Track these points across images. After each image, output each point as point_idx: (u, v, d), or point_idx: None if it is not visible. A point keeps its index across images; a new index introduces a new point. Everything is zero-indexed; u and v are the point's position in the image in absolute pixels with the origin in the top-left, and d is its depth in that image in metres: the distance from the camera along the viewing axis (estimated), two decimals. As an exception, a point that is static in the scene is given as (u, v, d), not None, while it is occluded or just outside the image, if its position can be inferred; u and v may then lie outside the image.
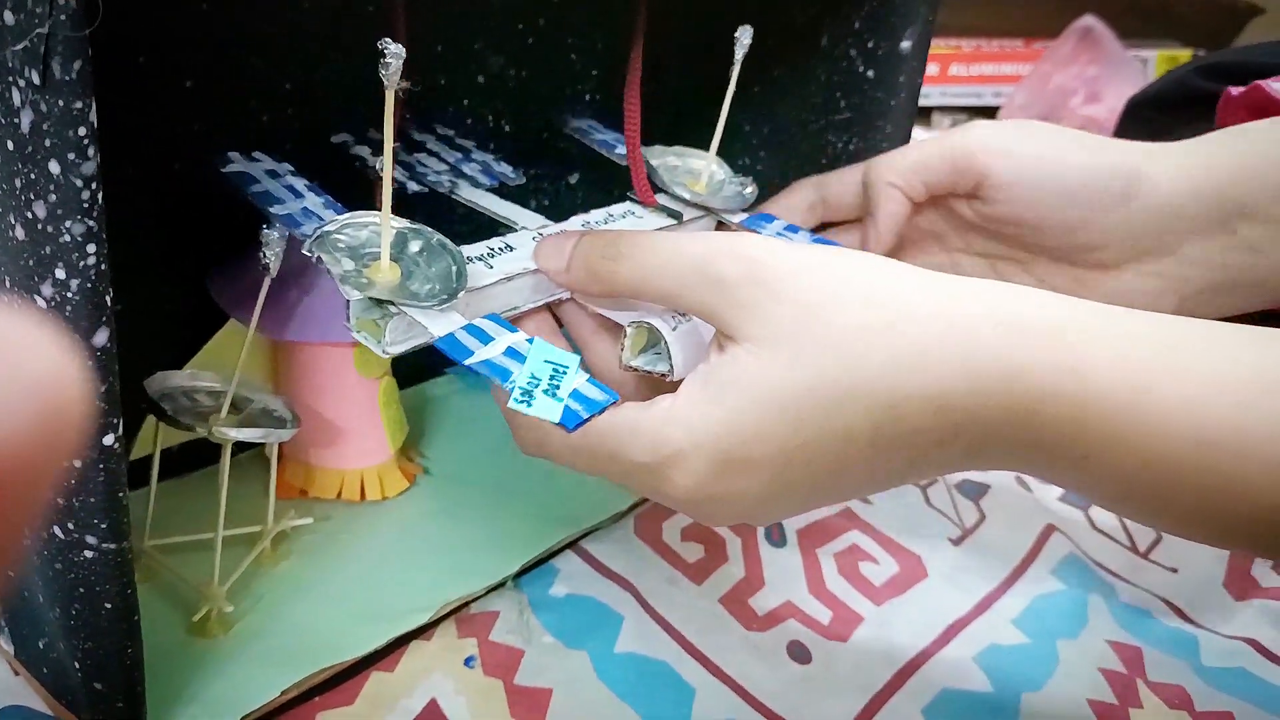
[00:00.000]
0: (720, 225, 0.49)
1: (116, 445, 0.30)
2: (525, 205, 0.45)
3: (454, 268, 0.36)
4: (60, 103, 0.25)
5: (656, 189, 0.47)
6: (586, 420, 0.32)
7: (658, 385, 0.38)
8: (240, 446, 0.46)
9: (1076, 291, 0.45)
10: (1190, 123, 0.62)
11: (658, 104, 0.48)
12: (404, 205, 0.41)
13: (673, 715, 0.40)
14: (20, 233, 0.27)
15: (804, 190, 0.52)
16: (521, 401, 0.31)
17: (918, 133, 0.55)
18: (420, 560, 0.45)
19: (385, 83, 0.31)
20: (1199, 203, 0.45)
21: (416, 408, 0.55)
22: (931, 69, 1.25)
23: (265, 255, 0.35)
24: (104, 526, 0.31)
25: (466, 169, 0.47)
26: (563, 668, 0.41)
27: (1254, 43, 1.00)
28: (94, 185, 0.27)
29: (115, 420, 0.30)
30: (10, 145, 0.27)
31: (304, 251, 0.35)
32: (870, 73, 0.52)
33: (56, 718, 0.37)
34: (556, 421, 0.31)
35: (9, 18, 0.25)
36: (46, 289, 0.28)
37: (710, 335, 0.35)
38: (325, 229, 0.36)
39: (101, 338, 0.28)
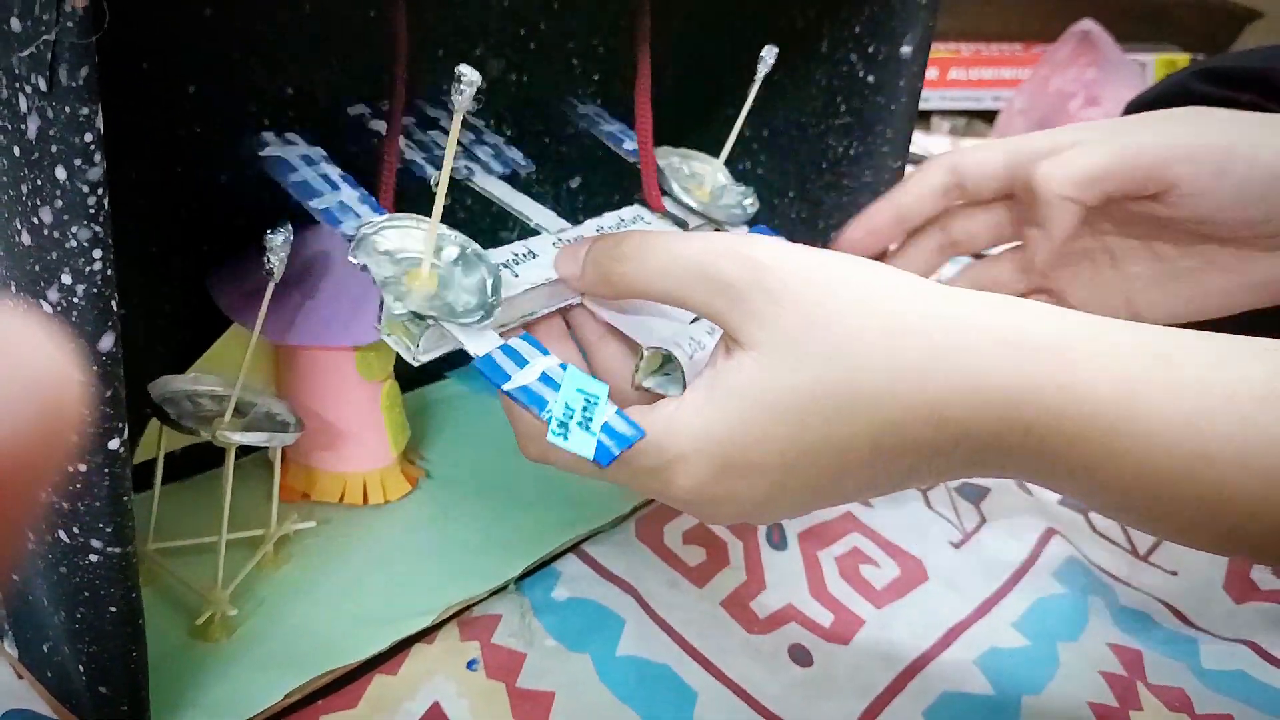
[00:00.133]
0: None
1: (122, 449, 0.30)
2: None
3: (488, 280, 0.36)
4: (66, 109, 0.25)
5: (664, 193, 0.48)
6: (617, 456, 0.32)
7: (651, 395, 0.39)
8: (243, 450, 0.46)
9: (1239, 270, 0.46)
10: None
11: (657, 105, 0.48)
12: (421, 189, 0.41)
13: (674, 718, 0.40)
14: (26, 238, 0.28)
15: (935, 173, 0.50)
16: (558, 435, 0.32)
17: (918, 137, 0.55)
18: (422, 563, 0.45)
19: (454, 106, 0.31)
20: None
21: (418, 411, 0.55)
22: (931, 73, 1.25)
23: (269, 260, 0.35)
24: (109, 530, 0.31)
25: (479, 153, 0.47)
26: (565, 671, 0.42)
27: (1252, 47, 1.00)
28: (100, 191, 0.27)
29: (120, 425, 0.30)
30: (17, 151, 0.27)
31: (349, 257, 0.35)
32: (870, 77, 0.53)
33: (60, 721, 0.37)
34: (591, 458, 0.32)
35: (16, 24, 0.25)
36: (52, 294, 0.28)
37: None
38: (365, 231, 0.36)
39: (107, 343, 0.28)
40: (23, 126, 0.26)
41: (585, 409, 0.33)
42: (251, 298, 0.42)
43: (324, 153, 0.41)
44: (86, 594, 0.32)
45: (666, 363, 0.39)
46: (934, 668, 0.44)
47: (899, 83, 0.52)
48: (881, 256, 0.52)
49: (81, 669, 0.34)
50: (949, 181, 0.50)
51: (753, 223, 0.50)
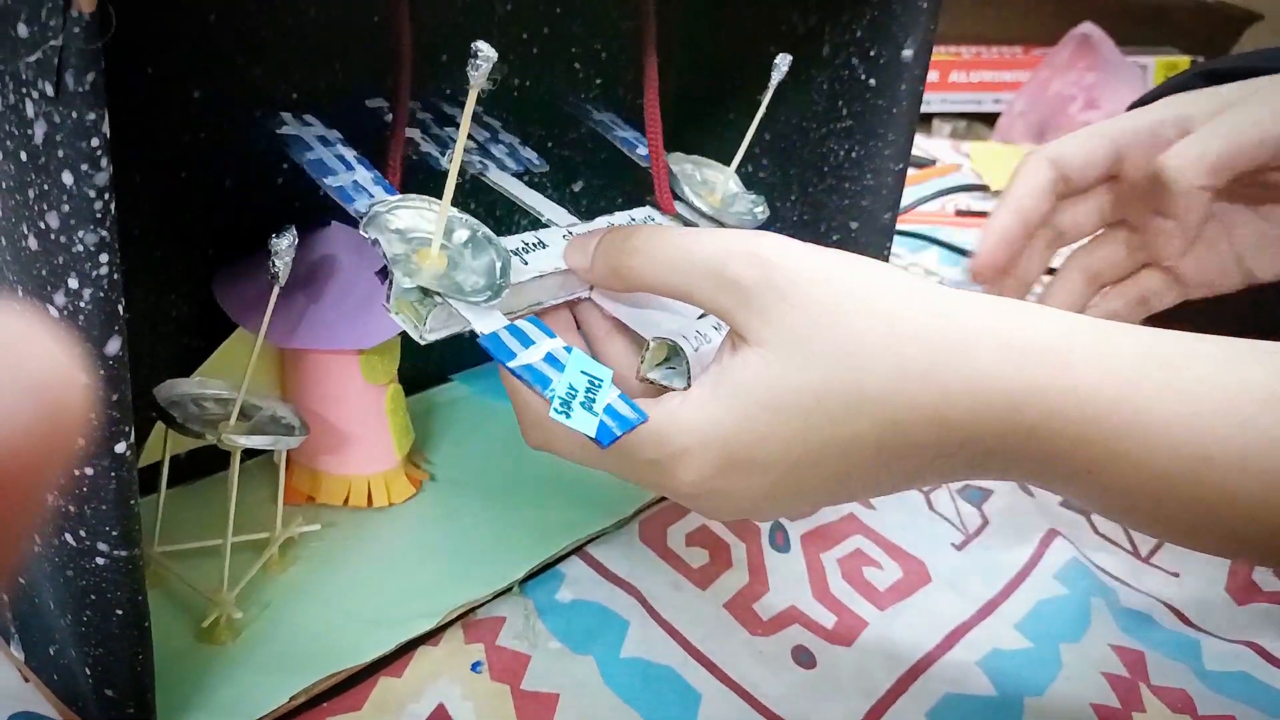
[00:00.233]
0: None
1: (128, 453, 0.30)
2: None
3: (497, 263, 0.37)
4: (73, 114, 0.26)
5: (675, 196, 0.48)
6: (619, 438, 0.32)
7: (655, 388, 0.39)
8: (248, 453, 0.46)
9: None
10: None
11: (661, 109, 0.49)
12: (439, 182, 0.42)
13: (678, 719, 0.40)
14: (33, 243, 0.28)
15: (1040, 170, 0.50)
16: (560, 412, 0.32)
17: (919, 140, 0.55)
18: (427, 566, 0.45)
19: (471, 82, 0.31)
20: None
21: (422, 414, 0.55)
22: (931, 76, 1.25)
23: (274, 264, 0.35)
24: (115, 533, 0.31)
25: (495, 150, 0.48)
26: (569, 673, 0.42)
27: (1252, 49, 1.00)
28: (106, 195, 0.27)
29: (127, 428, 0.30)
30: (24, 156, 0.27)
31: (360, 231, 0.35)
32: (872, 81, 0.53)
33: (66, 724, 0.37)
34: (592, 437, 0.32)
35: (23, 30, 0.25)
36: (59, 298, 0.28)
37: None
38: (377, 209, 0.36)
39: (114, 346, 0.29)
40: (29, 132, 0.26)
41: (589, 390, 0.33)
42: (256, 301, 0.42)
43: (340, 135, 0.41)
44: (93, 597, 0.32)
45: (672, 355, 0.39)
46: (936, 669, 0.44)
47: (900, 86, 0.52)
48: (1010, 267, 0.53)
49: (88, 671, 0.34)
50: (1054, 176, 0.50)
51: (762, 229, 0.51)
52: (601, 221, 0.45)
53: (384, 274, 0.36)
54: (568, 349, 0.35)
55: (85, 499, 0.30)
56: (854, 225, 0.57)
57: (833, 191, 0.57)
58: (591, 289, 0.41)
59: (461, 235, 0.37)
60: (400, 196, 0.37)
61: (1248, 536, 0.30)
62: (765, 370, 0.33)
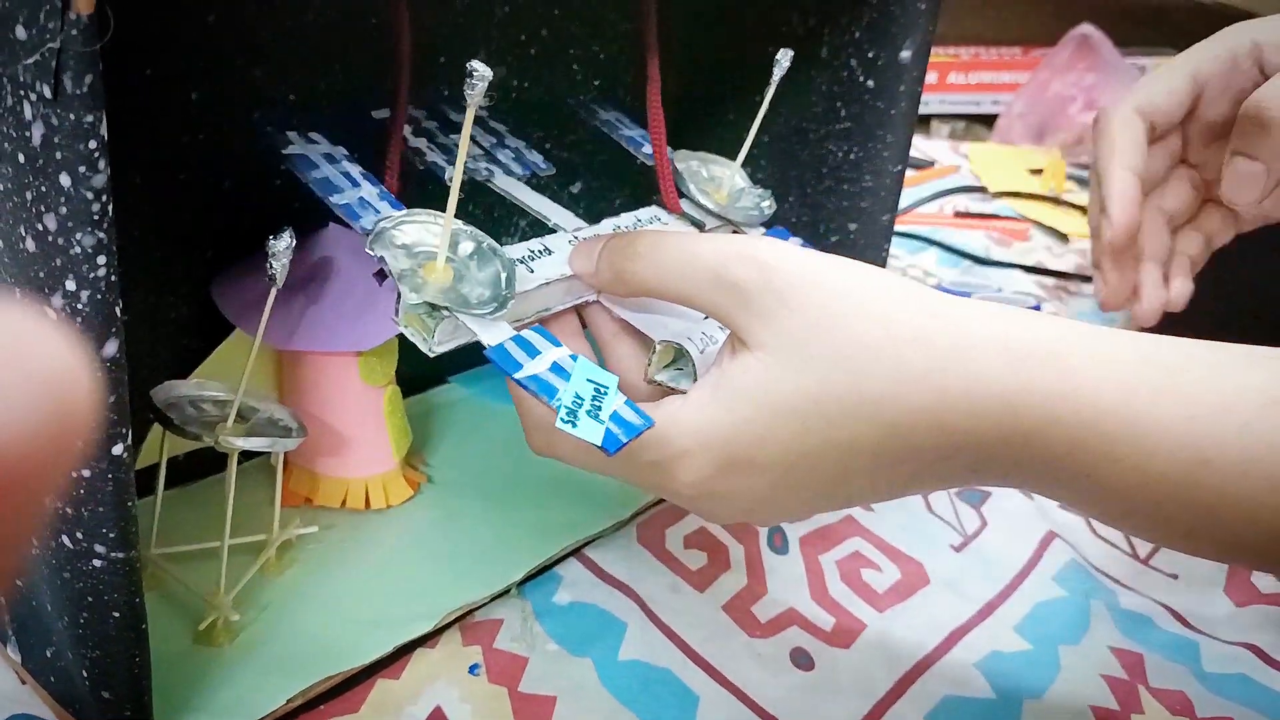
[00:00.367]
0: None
1: (125, 455, 0.30)
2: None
3: (503, 274, 0.37)
4: (71, 116, 0.26)
5: (681, 195, 0.48)
6: (625, 445, 0.32)
7: (663, 390, 0.39)
8: (246, 455, 0.46)
9: None
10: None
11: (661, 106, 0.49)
12: (440, 188, 0.42)
13: (677, 722, 0.40)
14: (31, 245, 0.28)
15: (1132, 125, 0.49)
16: (567, 421, 0.32)
17: (917, 141, 0.55)
18: (424, 568, 0.45)
19: (467, 101, 0.32)
20: None
21: (420, 416, 0.55)
22: (930, 77, 1.25)
23: (272, 266, 0.35)
24: (112, 535, 0.31)
25: (500, 156, 0.48)
26: (567, 675, 0.42)
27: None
28: (104, 198, 0.27)
29: (124, 430, 0.30)
30: (21, 158, 0.27)
31: (366, 249, 0.35)
32: (870, 82, 0.53)
33: (64, 726, 0.37)
34: (599, 445, 0.32)
35: (21, 32, 0.25)
36: (57, 300, 0.28)
37: None
38: (383, 225, 0.36)
39: (111, 348, 0.29)
40: (27, 134, 0.26)
41: (595, 398, 0.33)
42: (254, 303, 0.42)
43: (345, 151, 0.42)
44: (90, 599, 0.32)
45: (679, 357, 0.39)
46: (935, 671, 0.44)
47: (899, 88, 0.52)
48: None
49: (85, 674, 0.34)
50: (1146, 127, 0.49)
51: (769, 224, 0.51)
52: (607, 225, 0.45)
53: (382, 276, 0.36)
54: (573, 357, 0.35)
55: (82, 501, 0.30)
56: (852, 226, 0.57)
57: (831, 193, 0.57)
58: (598, 293, 0.41)
59: (467, 247, 0.38)
60: (405, 212, 0.38)
61: (1246, 540, 0.30)
62: (764, 373, 0.33)
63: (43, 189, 0.27)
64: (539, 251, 0.41)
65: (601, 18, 0.55)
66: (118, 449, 0.30)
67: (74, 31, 0.25)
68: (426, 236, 0.37)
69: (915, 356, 0.32)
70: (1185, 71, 0.48)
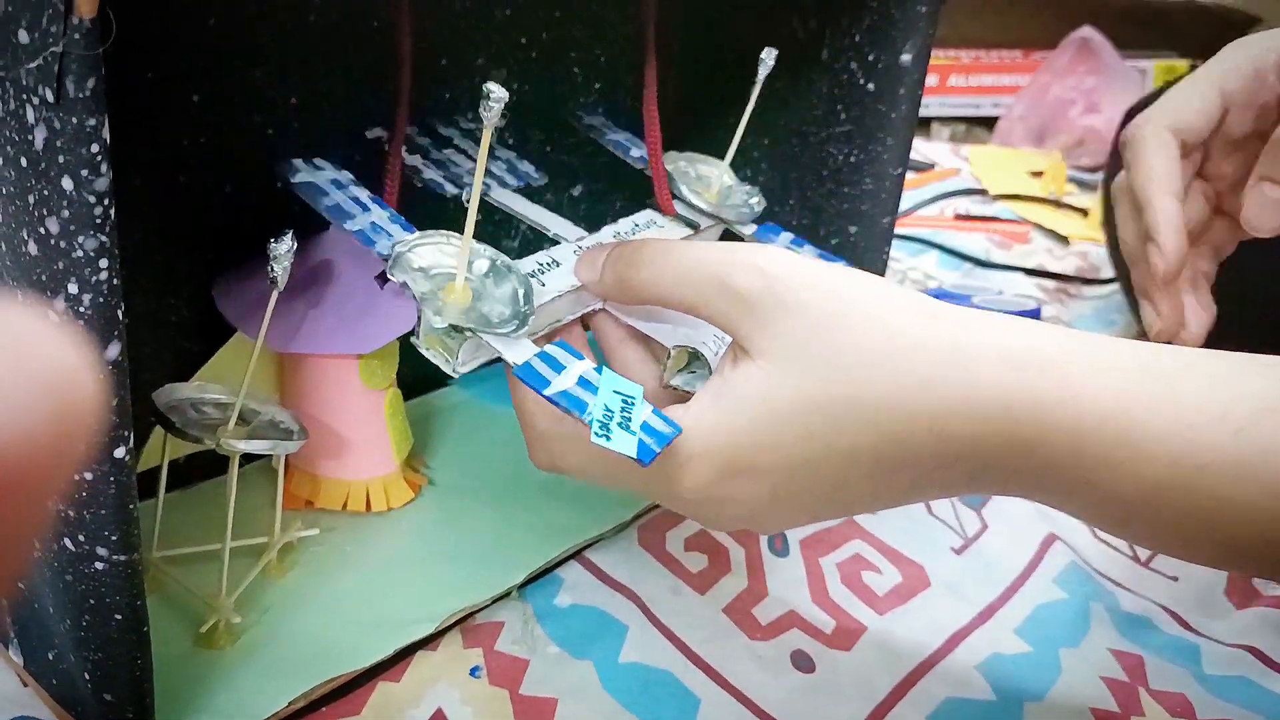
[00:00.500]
0: (728, 233, 0.50)
1: (127, 457, 0.30)
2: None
3: (520, 290, 0.38)
4: (74, 120, 0.26)
5: (673, 196, 0.48)
6: (658, 454, 0.32)
7: (677, 395, 0.39)
8: (247, 458, 0.46)
9: None
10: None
11: (660, 113, 0.49)
12: (435, 205, 0.42)
13: (677, 724, 0.40)
14: (33, 248, 0.28)
15: (1168, 146, 0.47)
16: (601, 436, 0.32)
17: (917, 143, 0.55)
18: (425, 571, 0.45)
19: (484, 121, 0.32)
20: None
21: (421, 419, 0.55)
22: (930, 80, 1.25)
23: (273, 269, 0.35)
24: (114, 538, 0.31)
25: (493, 168, 0.48)
26: (568, 677, 0.42)
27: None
28: (106, 201, 0.27)
29: (126, 433, 0.30)
30: (24, 162, 0.27)
31: (389, 274, 0.36)
32: (871, 85, 0.53)
33: (65, 728, 0.37)
34: (634, 456, 0.32)
35: (24, 36, 0.25)
36: (59, 304, 0.28)
37: None
38: (399, 249, 0.37)
39: (113, 351, 0.29)
40: (30, 137, 0.26)
41: (624, 409, 0.33)
42: (255, 306, 0.42)
43: (352, 176, 0.42)
44: (92, 601, 0.32)
45: (693, 360, 0.40)
46: (936, 673, 0.44)
47: (899, 90, 0.52)
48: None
49: (86, 676, 0.34)
50: (1178, 146, 0.48)
51: (760, 220, 0.51)
52: (607, 232, 0.45)
53: (383, 279, 0.36)
54: (598, 369, 0.35)
55: (84, 504, 0.30)
56: (853, 229, 0.57)
57: (832, 195, 0.57)
58: (604, 301, 0.41)
59: (482, 265, 0.38)
60: (419, 234, 0.38)
61: (1244, 547, 0.30)
62: (765, 380, 0.33)
63: (45, 192, 0.27)
64: (547, 265, 0.41)
65: (602, 20, 0.55)
66: (119, 452, 0.30)
67: (76, 35, 0.25)
68: (442, 258, 0.37)
69: (915, 365, 0.32)
70: (1214, 86, 0.48)
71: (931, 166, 1.12)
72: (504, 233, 0.57)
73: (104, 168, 0.27)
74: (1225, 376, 0.30)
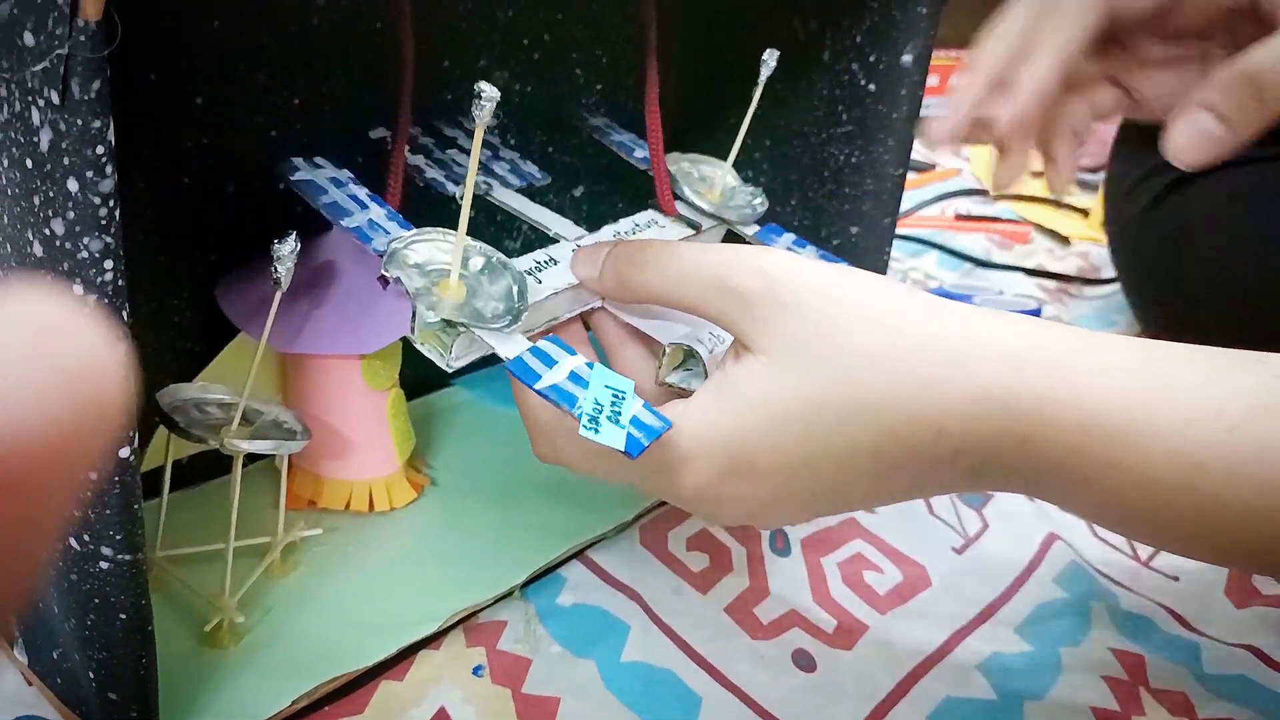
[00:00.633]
0: (730, 234, 0.50)
1: (131, 458, 0.30)
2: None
3: (514, 287, 0.38)
4: (79, 122, 0.26)
5: (675, 197, 0.49)
6: (646, 448, 0.33)
7: (674, 392, 0.40)
8: (250, 458, 0.46)
9: None
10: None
11: (662, 114, 0.49)
12: (439, 206, 0.42)
13: (679, 723, 0.41)
14: (38, 249, 0.28)
15: (1085, 16, 0.43)
16: (590, 429, 0.32)
17: (918, 145, 0.55)
18: (428, 570, 0.45)
19: (476, 121, 0.32)
20: None
21: (423, 419, 0.55)
22: (931, 80, 1.25)
23: (276, 269, 0.35)
24: (119, 538, 0.31)
25: (496, 168, 0.48)
26: (570, 676, 0.42)
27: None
28: (111, 202, 0.27)
29: (130, 433, 0.30)
30: (29, 163, 0.27)
31: (382, 271, 0.36)
32: (872, 86, 0.53)
33: (70, 727, 0.37)
34: (622, 449, 0.32)
35: (29, 39, 0.26)
36: (64, 304, 0.28)
37: None
38: (395, 246, 0.37)
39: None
40: (35, 139, 0.27)
41: (614, 404, 0.34)
42: (259, 307, 0.42)
43: (350, 174, 0.42)
44: (96, 601, 0.32)
45: (689, 358, 0.40)
46: (937, 673, 0.44)
47: (900, 91, 0.52)
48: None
49: (91, 675, 0.34)
50: (1103, 16, 0.45)
51: (762, 221, 0.51)
52: (607, 231, 0.45)
53: (385, 280, 0.36)
54: (589, 364, 0.35)
55: (89, 504, 0.31)
56: (854, 230, 0.58)
57: (833, 196, 0.57)
58: (603, 299, 0.41)
59: (477, 262, 0.38)
60: (415, 231, 0.38)
61: (1240, 544, 0.30)
62: (766, 378, 0.33)
63: (50, 194, 0.27)
64: (545, 262, 0.41)
65: (604, 21, 0.55)
66: (124, 452, 0.30)
67: (82, 38, 0.25)
68: (437, 254, 0.38)
69: (915, 362, 0.32)
70: None
71: (932, 167, 1.12)
72: (506, 233, 0.58)
73: (109, 169, 0.27)
74: (1220, 373, 0.30)
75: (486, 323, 0.36)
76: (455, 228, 0.37)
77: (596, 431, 0.32)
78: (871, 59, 0.53)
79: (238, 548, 0.41)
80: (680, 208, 0.49)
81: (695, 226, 0.48)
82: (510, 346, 0.36)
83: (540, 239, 0.45)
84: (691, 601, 0.46)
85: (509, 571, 0.46)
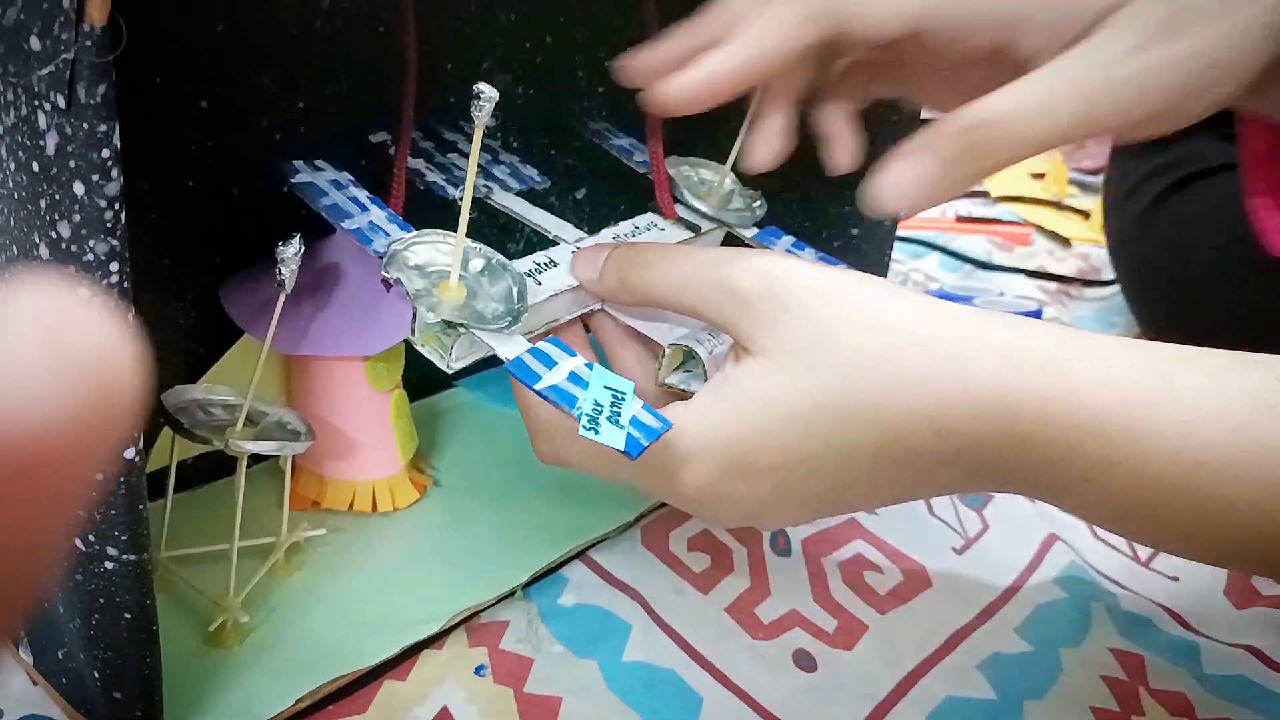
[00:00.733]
0: (730, 237, 0.50)
1: (136, 458, 0.30)
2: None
3: (514, 288, 0.38)
4: (85, 126, 0.26)
5: (675, 200, 0.49)
6: (646, 448, 0.33)
7: (674, 393, 0.40)
8: (254, 459, 0.46)
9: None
10: (1189, 131, 0.63)
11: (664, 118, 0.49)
12: (440, 209, 0.42)
13: (680, 723, 0.41)
14: (44, 252, 0.28)
15: (800, 31, 0.37)
16: (589, 430, 0.32)
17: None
18: (431, 570, 0.46)
19: (475, 121, 0.33)
20: None
21: (426, 420, 0.55)
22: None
23: (280, 271, 0.36)
24: (124, 538, 0.31)
25: (496, 171, 0.48)
26: (572, 676, 0.42)
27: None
28: (117, 205, 0.27)
29: (136, 435, 0.30)
30: (36, 167, 0.27)
31: (382, 273, 0.36)
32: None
33: (75, 726, 0.37)
34: (621, 449, 0.32)
35: (35, 43, 0.26)
36: (70, 306, 0.28)
37: None
38: (395, 248, 0.37)
39: (123, 354, 0.29)
40: (42, 143, 0.27)
41: (614, 404, 0.34)
42: (263, 308, 0.42)
43: (351, 177, 0.43)
44: (101, 601, 0.33)
45: (688, 359, 0.40)
46: (937, 673, 0.44)
47: (900, 93, 0.52)
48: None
49: (96, 675, 0.35)
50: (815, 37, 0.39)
51: (762, 224, 0.51)
52: (606, 234, 0.46)
53: (389, 283, 0.37)
54: (589, 365, 0.36)
55: (95, 504, 0.31)
56: (855, 231, 0.58)
57: (833, 199, 0.57)
58: (603, 301, 0.42)
59: (477, 264, 0.39)
60: (415, 233, 0.38)
61: (1241, 545, 0.31)
62: (766, 378, 0.33)
63: (56, 197, 0.27)
64: (544, 264, 0.41)
65: (606, 23, 0.55)
66: (129, 453, 0.30)
67: (88, 42, 0.25)
68: (437, 256, 0.38)
69: (914, 362, 0.32)
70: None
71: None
72: (508, 235, 0.58)
73: (114, 173, 0.27)
74: (1223, 374, 0.31)
75: (486, 324, 0.36)
76: (456, 230, 0.38)
77: (596, 432, 0.32)
78: (872, 61, 0.53)
79: (242, 548, 0.41)
80: (680, 210, 0.49)
81: (695, 229, 0.49)
82: (510, 347, 0.36)
83: (542, 241, 0.45)
84: (693, 601, 0.47)
85: (511, 571, 0.46)
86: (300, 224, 0.38)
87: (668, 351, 0.40)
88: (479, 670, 0.42)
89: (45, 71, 0.26)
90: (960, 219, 1.00)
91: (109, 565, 0.32)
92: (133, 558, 0.32)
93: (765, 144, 0.42)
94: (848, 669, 0.44)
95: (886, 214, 0.38)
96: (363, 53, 0.45)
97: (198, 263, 0.45)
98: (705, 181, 0.51)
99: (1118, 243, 0.78)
